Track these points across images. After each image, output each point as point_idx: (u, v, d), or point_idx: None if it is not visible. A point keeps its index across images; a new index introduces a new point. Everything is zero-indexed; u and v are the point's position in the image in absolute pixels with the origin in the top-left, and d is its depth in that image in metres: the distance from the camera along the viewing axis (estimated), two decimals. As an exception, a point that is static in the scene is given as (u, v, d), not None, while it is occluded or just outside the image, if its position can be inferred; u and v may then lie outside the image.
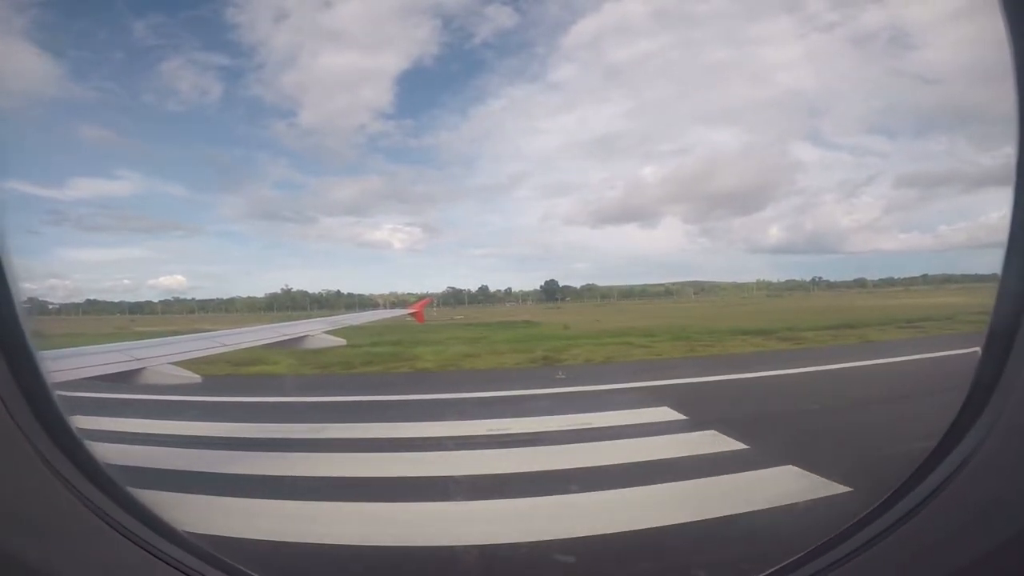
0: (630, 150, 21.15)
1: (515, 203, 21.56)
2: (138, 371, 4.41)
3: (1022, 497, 0.99)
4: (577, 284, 23.11)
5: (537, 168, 21.57)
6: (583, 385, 8.44)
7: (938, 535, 1.06)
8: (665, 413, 6.35)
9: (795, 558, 1.19)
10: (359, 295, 20.87)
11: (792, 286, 22.33)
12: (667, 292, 22.67)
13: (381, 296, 20.58)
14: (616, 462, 4.81)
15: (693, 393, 7.63)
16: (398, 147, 19.68)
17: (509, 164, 20.56)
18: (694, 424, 5.87)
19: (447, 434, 5.97)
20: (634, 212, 23.40)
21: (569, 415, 6.45)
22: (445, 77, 18.74)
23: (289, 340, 6.53)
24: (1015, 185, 1.08)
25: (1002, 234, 1.09)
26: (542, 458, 5.05)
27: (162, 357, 4.70)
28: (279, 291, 20.77)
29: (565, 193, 22.48)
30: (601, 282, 22.99)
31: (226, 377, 9.26)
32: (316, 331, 6.90)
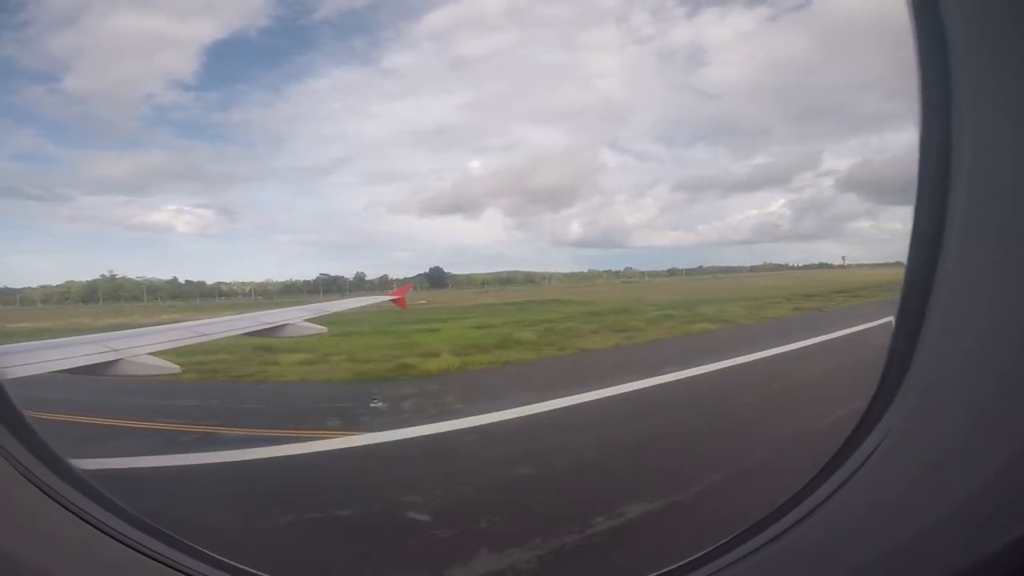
0: (462, 143, 21.51)
1: (335, 188, 20.59)
2: (114, 362, 4.36)
3: (931, 491, 0.96)
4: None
5: (363, 153, 20.83)
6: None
7: (851, 524, 1.03)
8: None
9: (699, 555, 1.17)
10: (217, 284, 19.03)
11: (629, 275, 25.00)
12: (530, 281, 24.06)
13: (237, 284, 19.13)
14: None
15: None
16: (195, 121, 17.41)
17: (331, 147, 20.12)
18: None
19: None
20: (461, 203, 23.75)
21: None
22: (268, 51, 16.60)
23: (269, 329, 6.56)
24: (919, 162, 1.14)
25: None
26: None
27: (140, 348, 4.67)
28: (100, 277, 18.37)
29: (393, 181, 21.93)
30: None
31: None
32: (296, 319, 6.92)
